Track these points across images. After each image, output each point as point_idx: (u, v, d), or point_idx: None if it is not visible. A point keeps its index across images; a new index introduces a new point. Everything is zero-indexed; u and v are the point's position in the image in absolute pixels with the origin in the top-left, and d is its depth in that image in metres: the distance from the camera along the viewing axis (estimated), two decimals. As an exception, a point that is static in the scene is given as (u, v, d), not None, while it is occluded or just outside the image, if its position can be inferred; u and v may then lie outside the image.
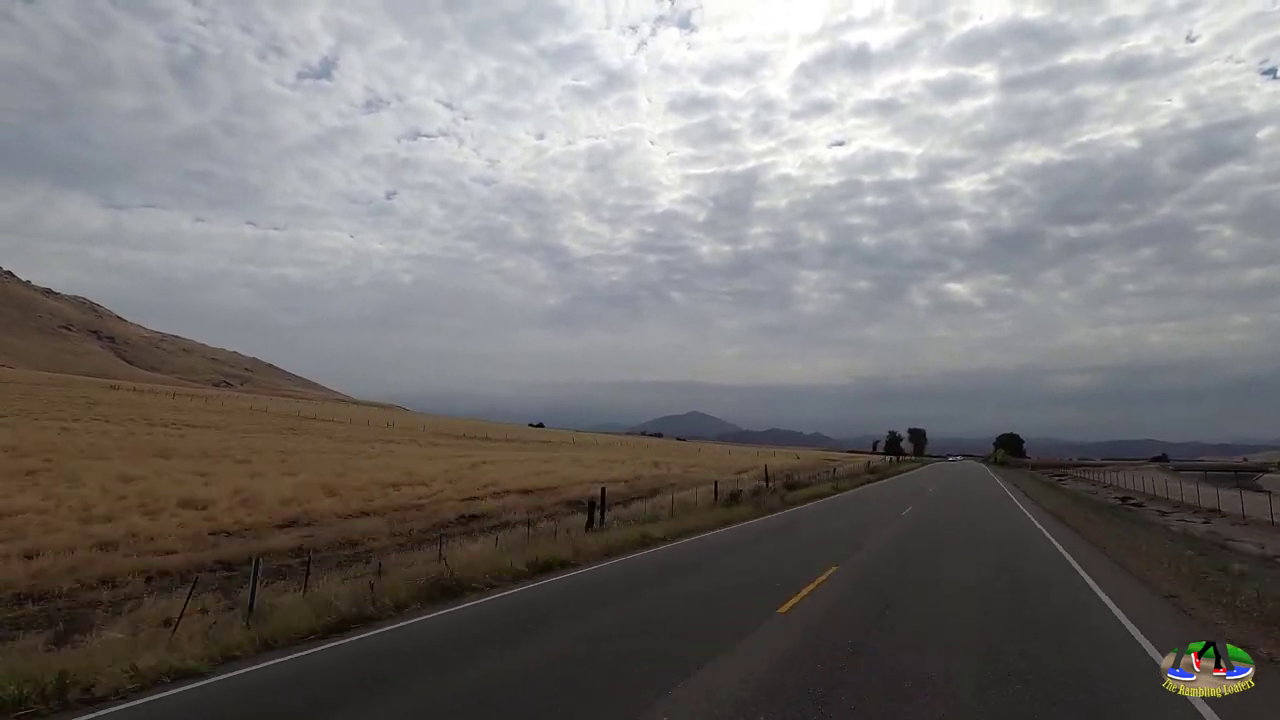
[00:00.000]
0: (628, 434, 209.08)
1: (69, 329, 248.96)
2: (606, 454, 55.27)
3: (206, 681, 6.66)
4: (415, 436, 60.88)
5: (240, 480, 22.10)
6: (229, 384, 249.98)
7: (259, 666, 7.11)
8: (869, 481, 47.79)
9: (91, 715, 5.91)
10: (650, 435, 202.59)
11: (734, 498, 24.57)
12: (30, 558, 12.01)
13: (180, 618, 8.03)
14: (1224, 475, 75.59)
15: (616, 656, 7.30)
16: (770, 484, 30.60)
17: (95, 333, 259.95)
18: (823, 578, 11.54)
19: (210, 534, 15.31)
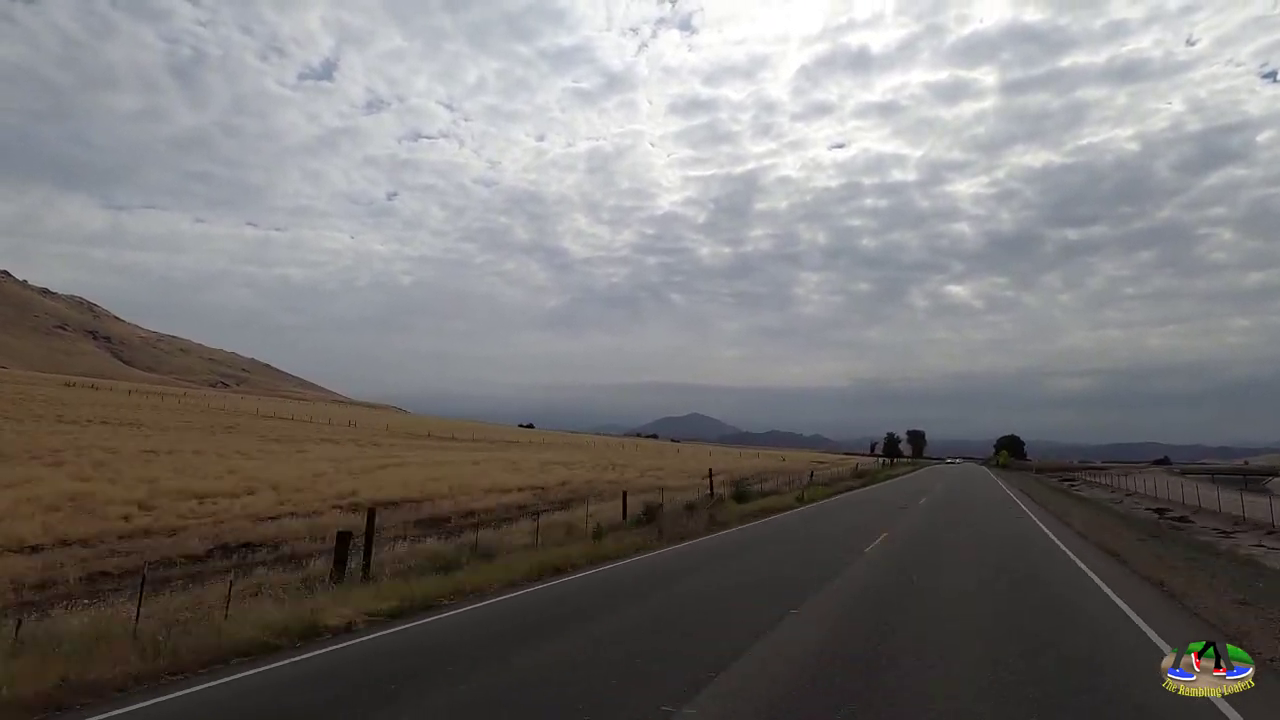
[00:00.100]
0: (625, 436, 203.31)
1: (64, 329, 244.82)
2: (564, 455, 49.07)
3: None
4: (355, 436, 54.95)
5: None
6: (225, 384, 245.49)
7: None
8: (849, 489, 39.61)
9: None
10: (645, 437, 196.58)
11: (649, 514, 18.41)
12: None
13: None
14: (1232, 478, 70.79)
15: None
16: (715, 494, 24.84)
17: (91, 333, 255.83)
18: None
19: None
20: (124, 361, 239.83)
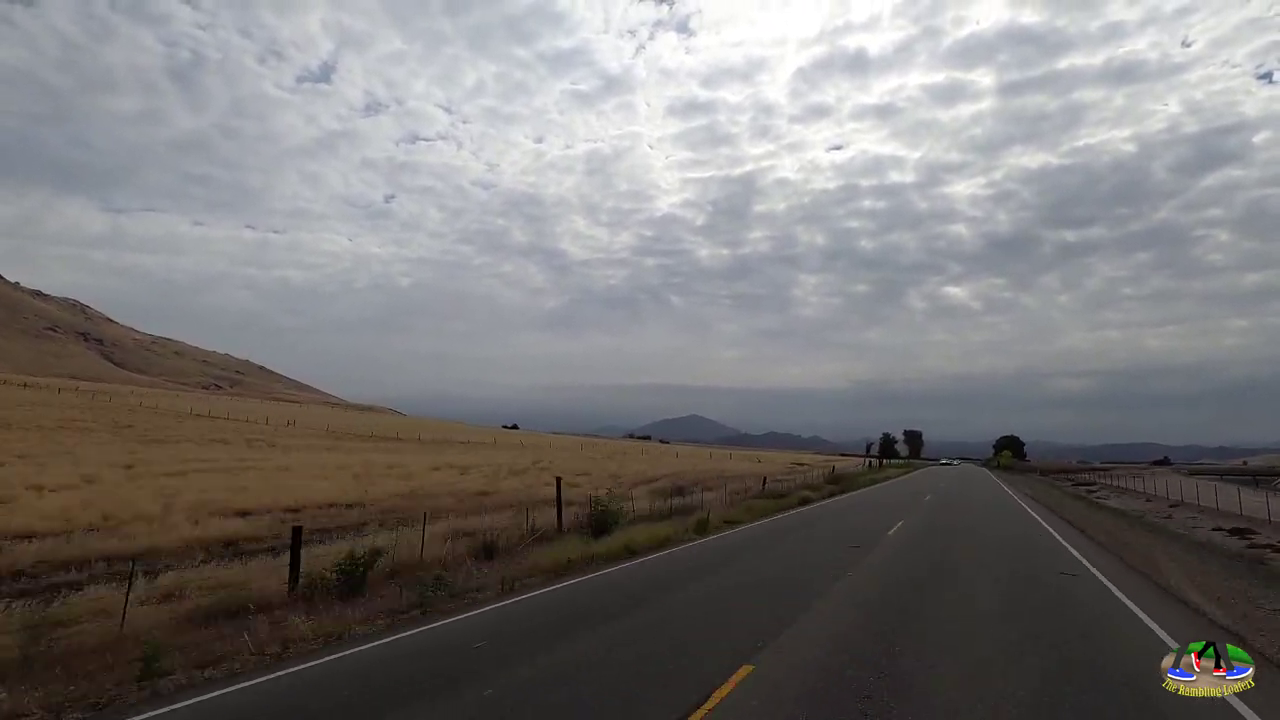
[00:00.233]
0: (621, 438, 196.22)
1: (55, 330, 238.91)
2: (480, 458, 40.64)
3: None
4: (270, 437, 47.50)
5: None
6: (219, 386, 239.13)
7: None
8: (803, 503, 27.85)
9: None
10: (639, 438, 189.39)
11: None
12: None
13: None
14: (1242, 480, 63.87)
15: None
16: (563, 521, 17.64)
17: (83, 335, 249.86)
18: None
19: None
20: (115, 364, 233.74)
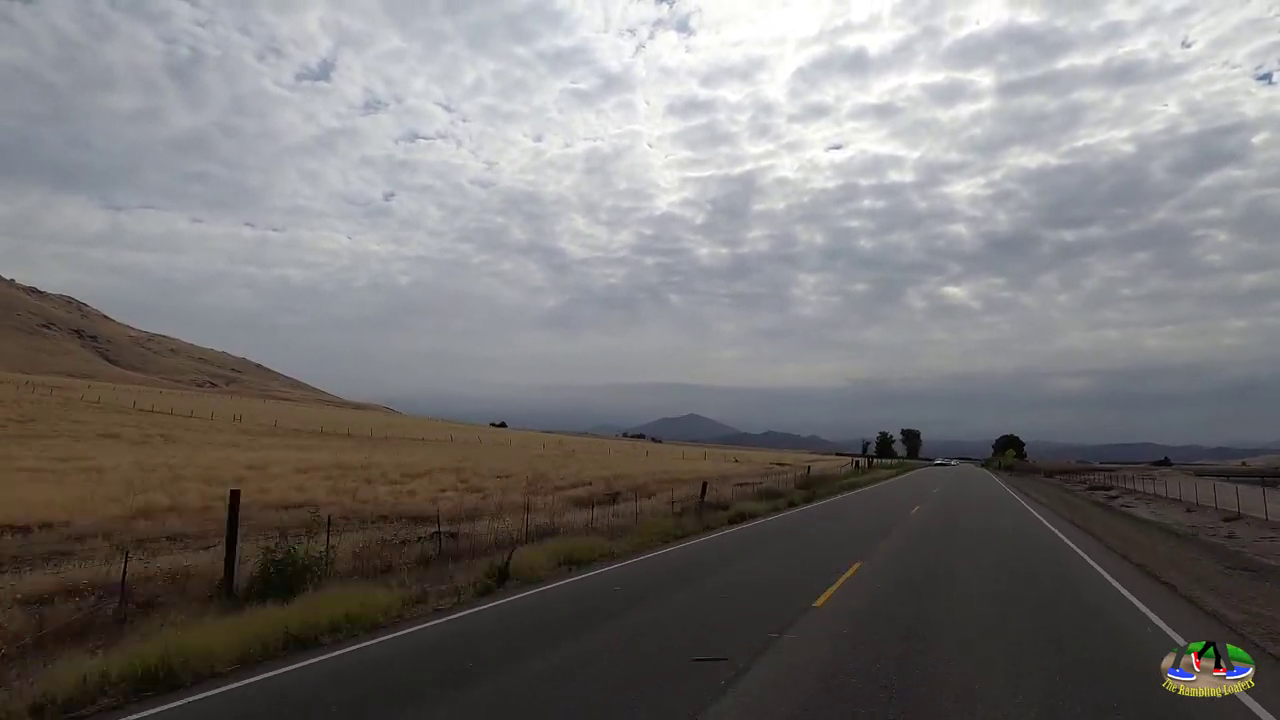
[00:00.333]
0: (618, 437, 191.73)
1: (49, 327, 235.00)
2: (394, 457, 35.01)
3: None
4: (194, 432, 42.61)
5: None
6: (214, 385, 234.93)
7: None
8: (741, 520, 20.89)
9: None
10: (632, 437, 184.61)
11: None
12: None
13: None
14: (1250, 480, 58.93)
15: None
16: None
17: (78, 332, 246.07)
18: None
19: None
20: (110, 361, 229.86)
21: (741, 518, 21.25)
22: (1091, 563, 14.51)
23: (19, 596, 8.34)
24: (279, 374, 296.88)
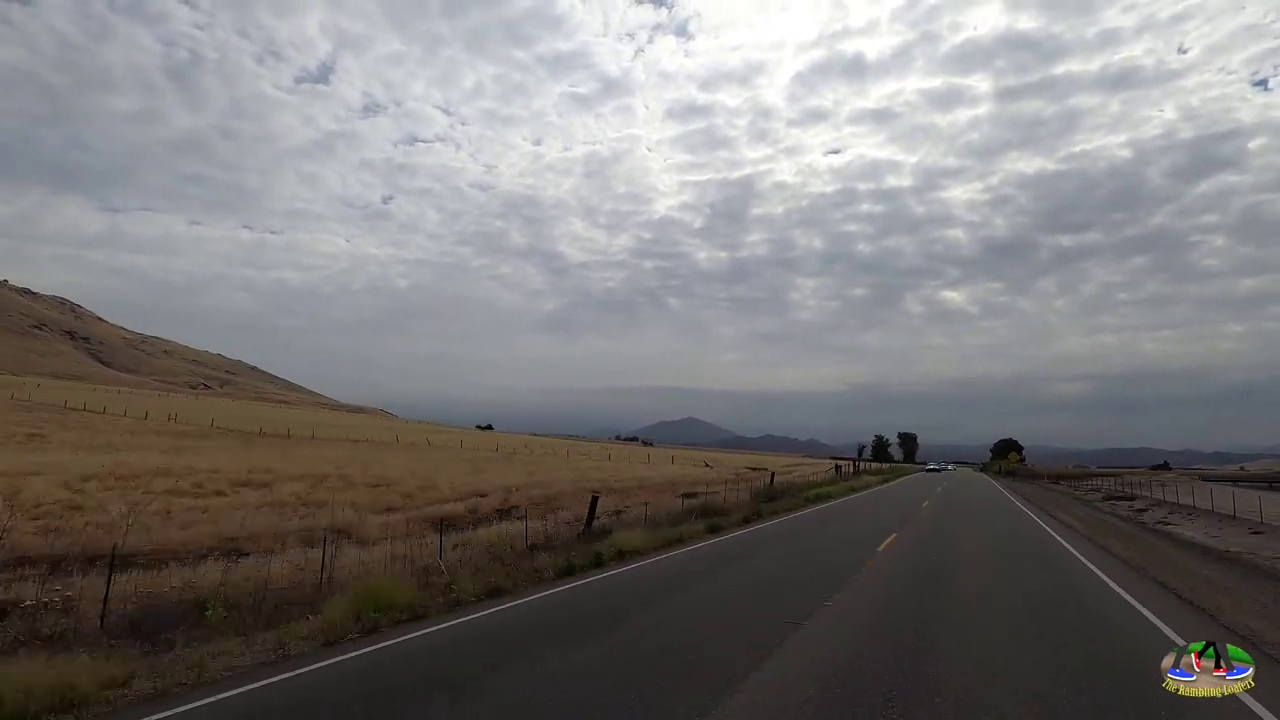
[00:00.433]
0: (611, 440, 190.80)
1: (41, 329, 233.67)
2: (293, 463, 31.46)
3: None
4: (109, 435, 41.47)
5: None
6: (207, 386, 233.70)
7: None
8: (613, 563, 13.29)
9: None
10: (624, 440, 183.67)
11: None
12: None
13: None
14: (1258, 486, 58.36)
15: None
16: None
17: (70, 333, 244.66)
18: None
19: None
20: (103, 363, 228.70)
21: (598, 564, 12.98)
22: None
23: None
24: (275, 377, 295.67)
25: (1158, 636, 8.63)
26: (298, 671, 6.86)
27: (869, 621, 8.92)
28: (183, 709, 5.88)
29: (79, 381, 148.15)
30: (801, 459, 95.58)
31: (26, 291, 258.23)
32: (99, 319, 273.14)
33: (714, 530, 18.69)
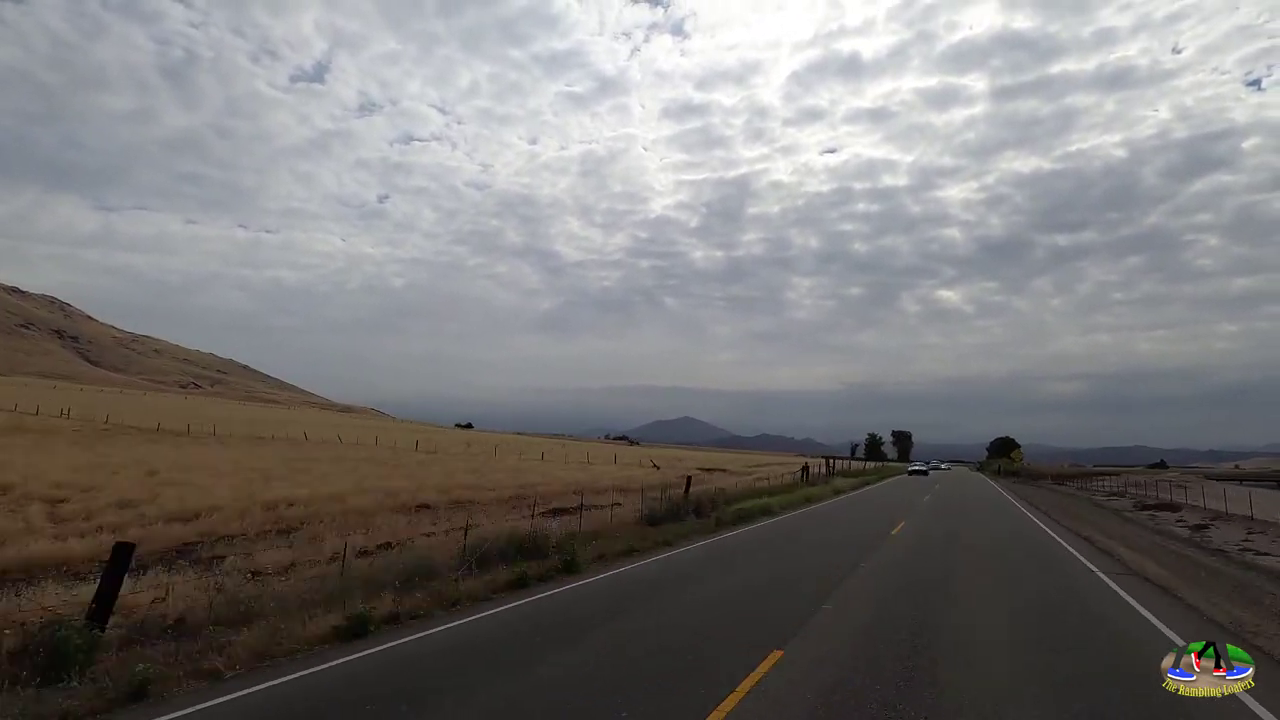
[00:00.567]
0: (602, 439, 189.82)
1: (29, 328, 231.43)
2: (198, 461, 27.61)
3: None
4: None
5: None
6: (198, 386, 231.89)
7: None
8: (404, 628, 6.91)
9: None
10: (615, 439, 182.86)
11: None
12: None
13: None
14: (1262, 485, 58.08)
15: None
16: None
17: (59, 332, 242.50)
18: None
19: None
20: (91, 362, 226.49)
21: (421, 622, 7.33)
22: None
23: None
24: (267, 376, 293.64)
25: None
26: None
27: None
28: None
29: (66, 381, 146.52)
30: (777, 459, 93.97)
31: (15, 290, 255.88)
32: (89, 318, 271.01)
33: (453, 605, 8.53)
